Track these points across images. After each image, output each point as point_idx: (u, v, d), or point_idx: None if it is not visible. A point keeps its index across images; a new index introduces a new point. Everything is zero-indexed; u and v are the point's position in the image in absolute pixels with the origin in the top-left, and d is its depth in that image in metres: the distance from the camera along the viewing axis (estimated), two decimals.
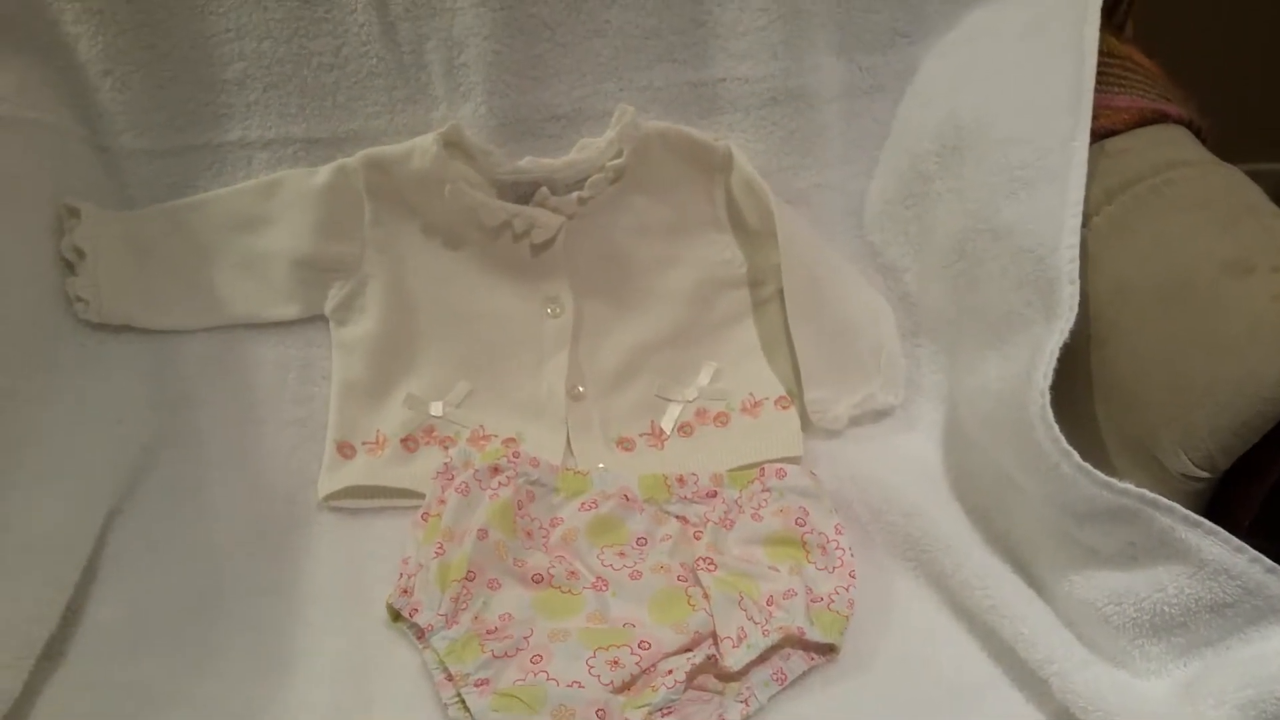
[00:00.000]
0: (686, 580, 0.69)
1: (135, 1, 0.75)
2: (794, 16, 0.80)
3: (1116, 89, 0.72)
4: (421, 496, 0.74)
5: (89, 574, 0.68)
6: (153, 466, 0.75)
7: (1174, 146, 0.70)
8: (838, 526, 0.71)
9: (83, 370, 0.75)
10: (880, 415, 0.81)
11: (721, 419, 0.81)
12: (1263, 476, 0.59)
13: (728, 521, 0.73)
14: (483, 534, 0.69)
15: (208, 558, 0.71)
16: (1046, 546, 0.66)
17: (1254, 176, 1.18)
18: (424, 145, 0.78)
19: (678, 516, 0.74)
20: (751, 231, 0.83)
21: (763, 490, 0.73)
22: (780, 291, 0.82)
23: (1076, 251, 0.63)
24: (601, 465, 0.78)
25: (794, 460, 0.78)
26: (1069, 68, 0.70)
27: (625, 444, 0.81)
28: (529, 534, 0.72)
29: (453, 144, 0.78)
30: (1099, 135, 0.69)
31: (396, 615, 0.68)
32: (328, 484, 0.76)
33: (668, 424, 0.81)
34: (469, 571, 0.67)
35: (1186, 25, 0.94)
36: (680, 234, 0.83)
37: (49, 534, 0.66)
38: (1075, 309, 0.62)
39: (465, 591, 0.67)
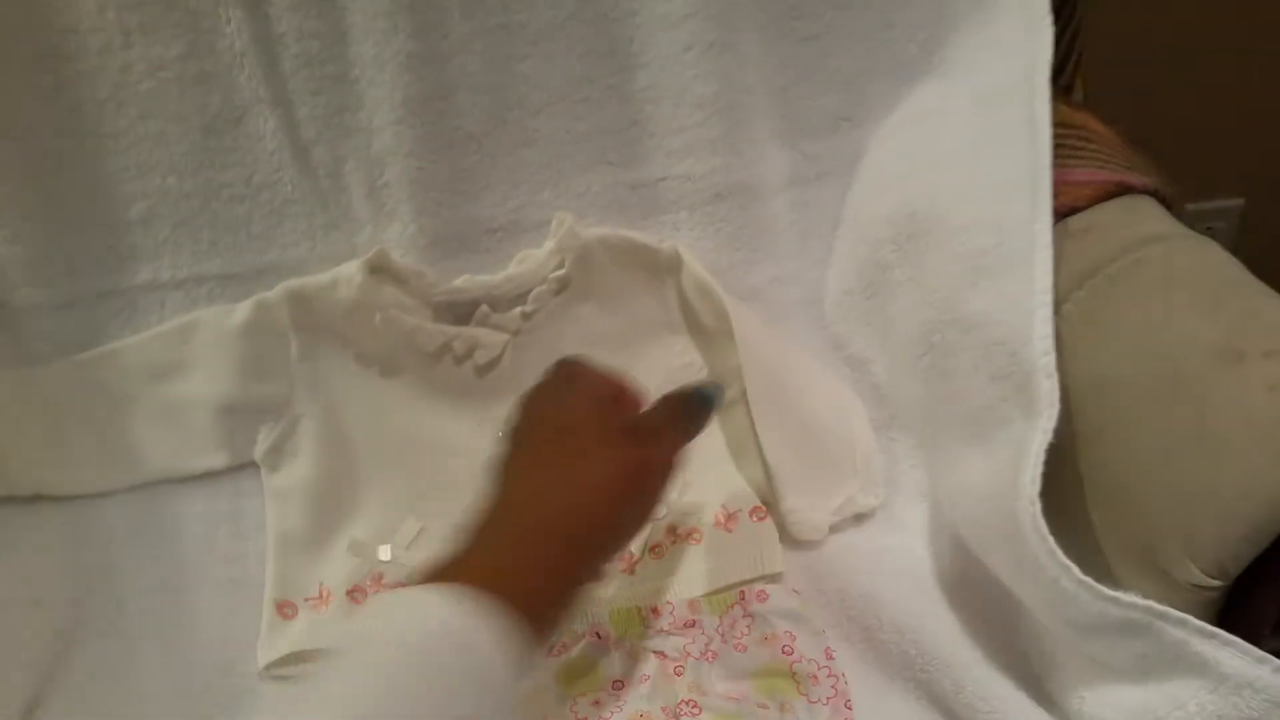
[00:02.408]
0: None
1: (22, 141, 0.70)
2: (731, 110, 0.77)
3: (1074, 162, 0.69)
4: None
5: None
6: (74, 649, 0.68)
7: (1140, 221, 0.66)
8: (828, 651, 0.66)
9: None
10: (861, 518, 0.76)
11: (695, 536, 0.76)
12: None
13: (709, 654, 0.67)
14: None
15: None
16: (1053, 658, 0.61)
17: (1212, 215, 1.17)
18: (348, 274, 0.73)
19: (655, 652, 0.68)
20: (709, 333, 0.79)
21: (744, 616, 0.68)
22: (745, 393, 0.77)
23: (1051, 343, 0.59)
24: None
25: (775, 577, 0.72)
26: (1022, 145, 0.67)
27: None
28: None
29: (379, 269, 0.73)
30: (1061, 214, 0.66)
31: None
32: (268, 651, 0.69)
33: (636, 545, 0.76)
34: None
35: (1132, 73, 0.92)
36: (633, 341, 0.79)
37: None
38: (1056, 404, 0.58)
39: None
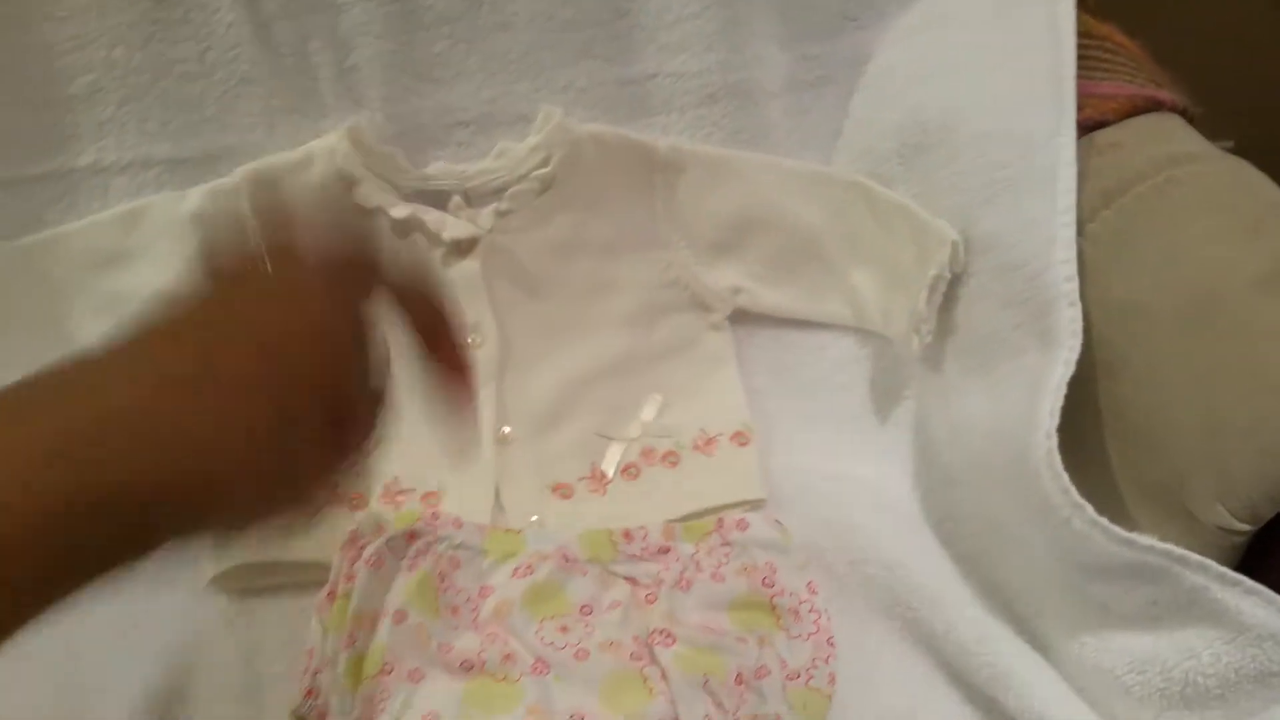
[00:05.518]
0: (641, 659, 0.60)
1: None
2: (730, 2, 0.71)
3: (1099, 74, 0.64)
4: (327, 570, 0.63)
5: None
6: None
7: (1172, 138, 0.61)
8: (811, 585, 0.63)
9: None
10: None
11: (671, 458, 0.72)
12: None
13: (684, 582, 0.64)
14: (400, 616, 0.59)
15: (69, 658, 0.61)
16: (1052, 601, 0.58)
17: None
18: (327, 146, 0.67)
19: (626, 578, 0.65)
20: (703, 245, 0.73)
21: (722, 545, 0.64)
22: (729, 319, 0.74)
23: (1074, 267, 0.55)
24: (535, 518, 0.68)
25: (756, 504, 0.69)
26: (1045, 52, 0.62)
27: (562, 490, 0.71)
28: (455, 610, 0.62)
29: (356, 146, 0.68)
30: (1085, 128, 0.61)
31: None
32: (214, 563, 0.64)
33: (609, 466, 0.72)
34: (386, 664, 0.57)
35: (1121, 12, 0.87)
36: (618, 252, 0.73)
37: None
38: (1079, 335, 0.53)
39: (382, 689, 0.57)
